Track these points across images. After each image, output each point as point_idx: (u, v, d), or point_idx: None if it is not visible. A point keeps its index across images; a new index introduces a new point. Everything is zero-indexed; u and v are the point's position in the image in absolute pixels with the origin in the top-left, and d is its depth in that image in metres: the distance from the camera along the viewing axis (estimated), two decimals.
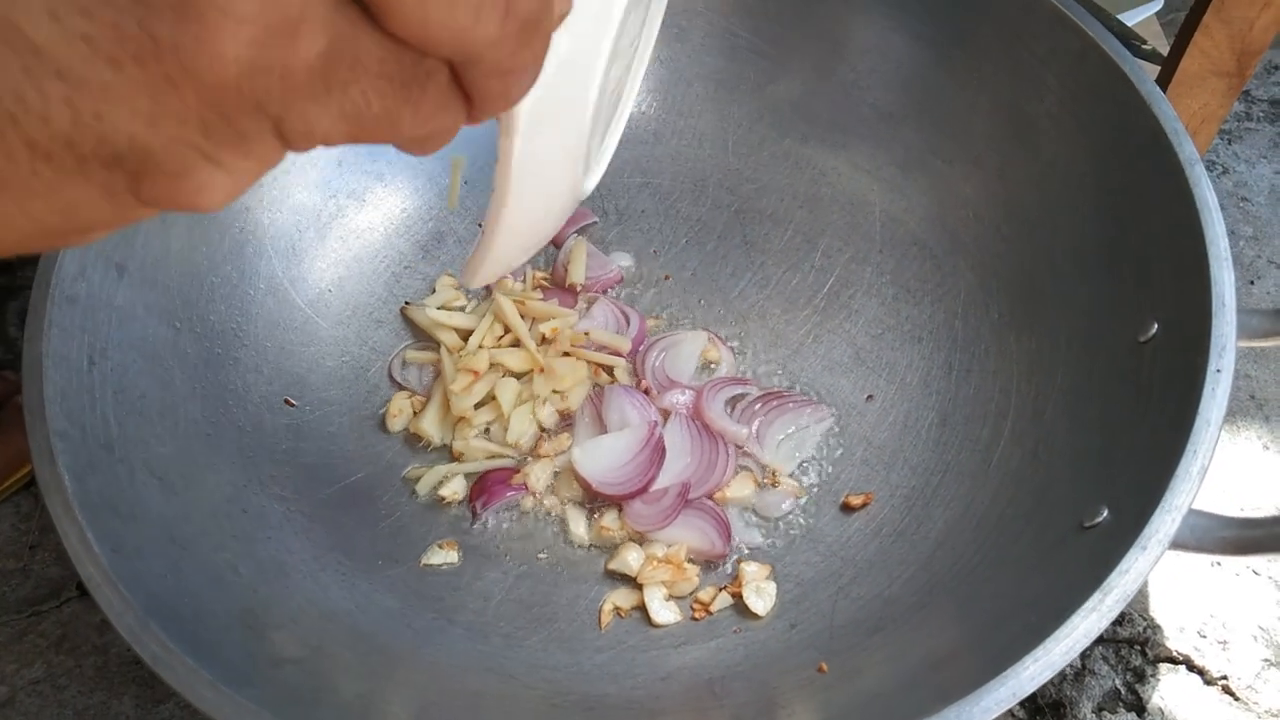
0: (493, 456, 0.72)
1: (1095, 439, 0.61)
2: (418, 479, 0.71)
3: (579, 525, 0.69)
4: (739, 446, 0.72)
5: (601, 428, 0.72)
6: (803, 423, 0.73)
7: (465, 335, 0.77)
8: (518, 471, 0.71)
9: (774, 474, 0.71)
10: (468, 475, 0.72)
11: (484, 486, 0.71)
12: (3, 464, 0.82)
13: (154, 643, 0.50)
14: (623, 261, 0.83)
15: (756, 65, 0.86)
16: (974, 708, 0.46)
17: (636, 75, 0.50)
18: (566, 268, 0.81)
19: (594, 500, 0.70)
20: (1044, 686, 0.53)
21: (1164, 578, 0.76)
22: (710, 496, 0.69)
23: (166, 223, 0.69)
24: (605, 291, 0.81)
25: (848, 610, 0.63)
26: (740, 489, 0.70)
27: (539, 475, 0.70)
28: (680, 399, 0.73)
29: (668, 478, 0.69)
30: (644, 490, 0.68)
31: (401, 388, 0.76)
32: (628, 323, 0.78)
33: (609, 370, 0.76)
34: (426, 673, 0.61)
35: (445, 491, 0.70)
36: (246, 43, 0.21)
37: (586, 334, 0.76)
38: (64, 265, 0.62)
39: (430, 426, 0.73)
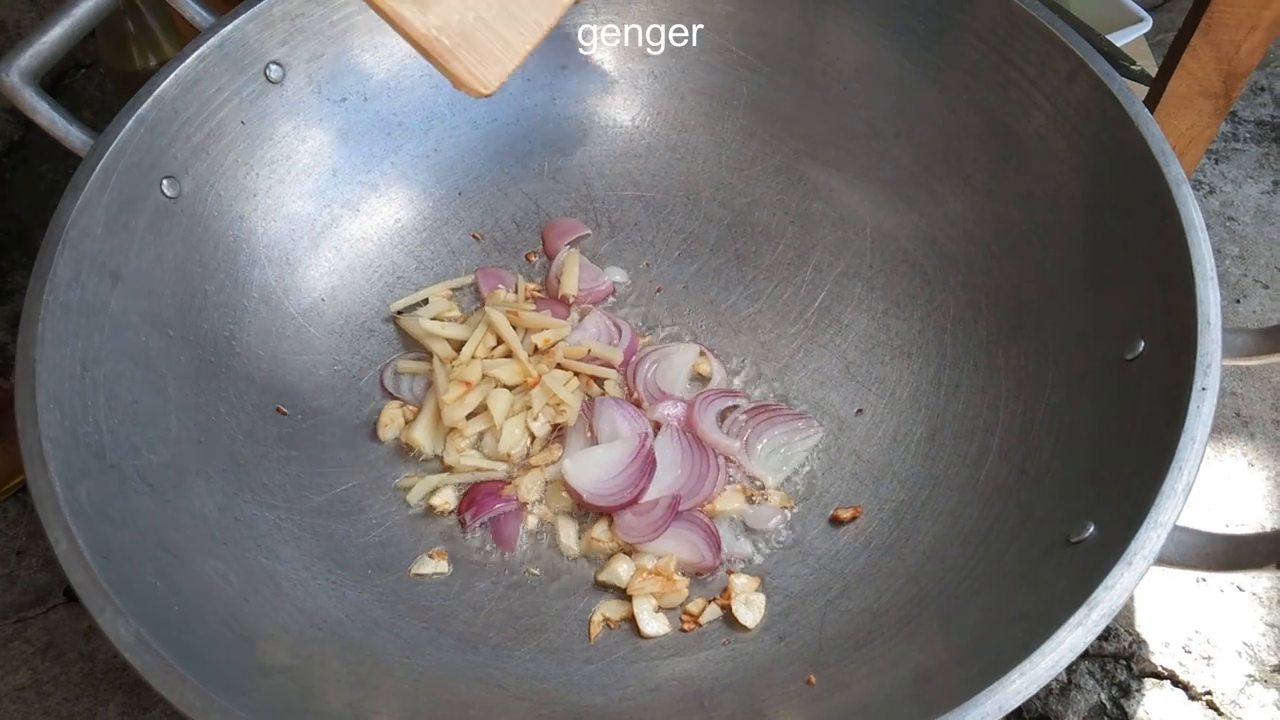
0: (483, 470, 0.72)
1: (1082, 455, 0.61)
2: (409, 489, 0.71)
3: (569, 536, 0.69)
4: (729, 459, 0.72)
5: (592, 439, 0.72)
6: (791, 436, 0.73)
7: (458, 346, 0.77)
8: (508, 483, 0.71)
9: (762, 486, 0.71)
10: (458, 485, 0.72)
11: (474, 498, 0.71)
12: (4, 472, 0.82)
13: (143, 650, 0.49)
14: (616, 276, 0.83)
15: (750, 81, 0.87)
16: None
17: None
18: (559, 279, 0.81)
19: (584, 511, 0.71)
20: (1030, 701, 0.53)
21: (1149, 593, 0.77)
22: (700, 509, 0.70)
23: (160, 231, 0.69)
24: (597, 304, 0.82)
25: (836, 623, 0.64)
26: (730, 501, 0.70)
27: (529, 486, 0.71)
28: (671, 411, 0.74)
29: (658, 489, 0.69)
30: (634, 502, 0.68)
31: (393, 397, 0.76)
32: (620, 334, 0.78)
33: (600, 382, 0.76)
34: (415, 683, 0.61)
35: (436, 501, 0.70)
36: None
37: (588, 350, 0.76)
38: (58, 272, 0.62)
39: (422, 436, 0.73)
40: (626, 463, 0.69)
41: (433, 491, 0.71)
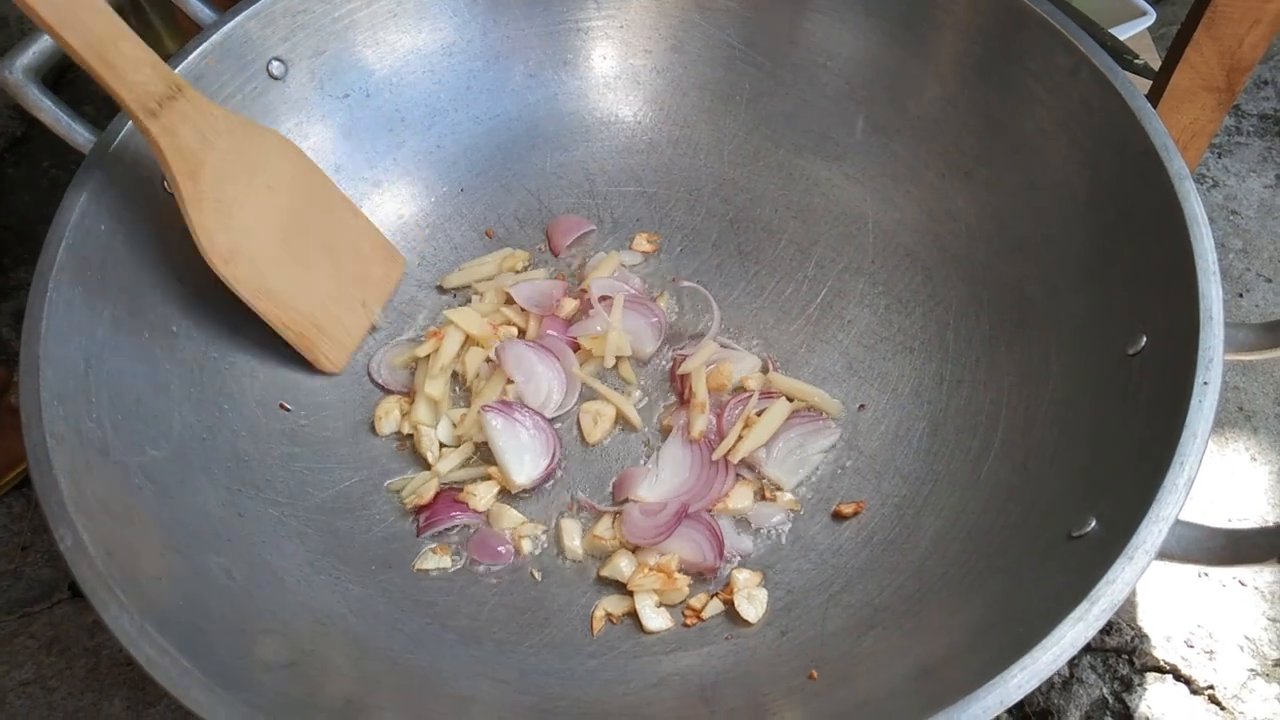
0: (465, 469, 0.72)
1: (1084, 450, 0.61)
2: (399, 490, 0.71)
3: (574, 539, 0.69)
4: (747, 462, 0.72)
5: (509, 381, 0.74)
6: (806, 438, 0.73)
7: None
8: (461, 491, 0.71)
9: (775, 487, 0.71)
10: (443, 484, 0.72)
11: (434, 504, 0.70)
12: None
13: (148, 645, 0.50)
14: (630, 260, 0.84)
15: (751, 77, 0.87)
16: (962, 715, 0.47)
17: None
18: (587, 275, 0.81)
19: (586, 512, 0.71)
20: (1032, 694, 0.53)
21: (1152, 588, 0.77)
22: (708, 509, 0.70)
23: (164, 228, 0.70)
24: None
25: (838, 618, 0.64)
26: (740, 500, 0.70)
27: (482, 495, 0.70)
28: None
29: (664, 491, 0.69)
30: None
31: (387, 391, 0.76)
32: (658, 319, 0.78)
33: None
34: (418, 677, 0.61)
35: (408, 499, 0.70)
36: None
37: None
38: (61, 269, 0.62)
39: (424, 416, 0.74)
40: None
41: (416, 493, 0.71)
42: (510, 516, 0.70)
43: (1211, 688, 0.72)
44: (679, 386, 0.75)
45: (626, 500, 0.70)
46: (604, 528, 0.69)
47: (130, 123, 0.68)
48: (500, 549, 0.69)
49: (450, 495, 0.71)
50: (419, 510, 0.70)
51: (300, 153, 0.74)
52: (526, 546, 0.70)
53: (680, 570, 0.67)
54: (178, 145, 0.65)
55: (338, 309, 0.75)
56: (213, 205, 0.67)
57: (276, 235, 0.71)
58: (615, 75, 0.89)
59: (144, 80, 0.63)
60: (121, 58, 0.62)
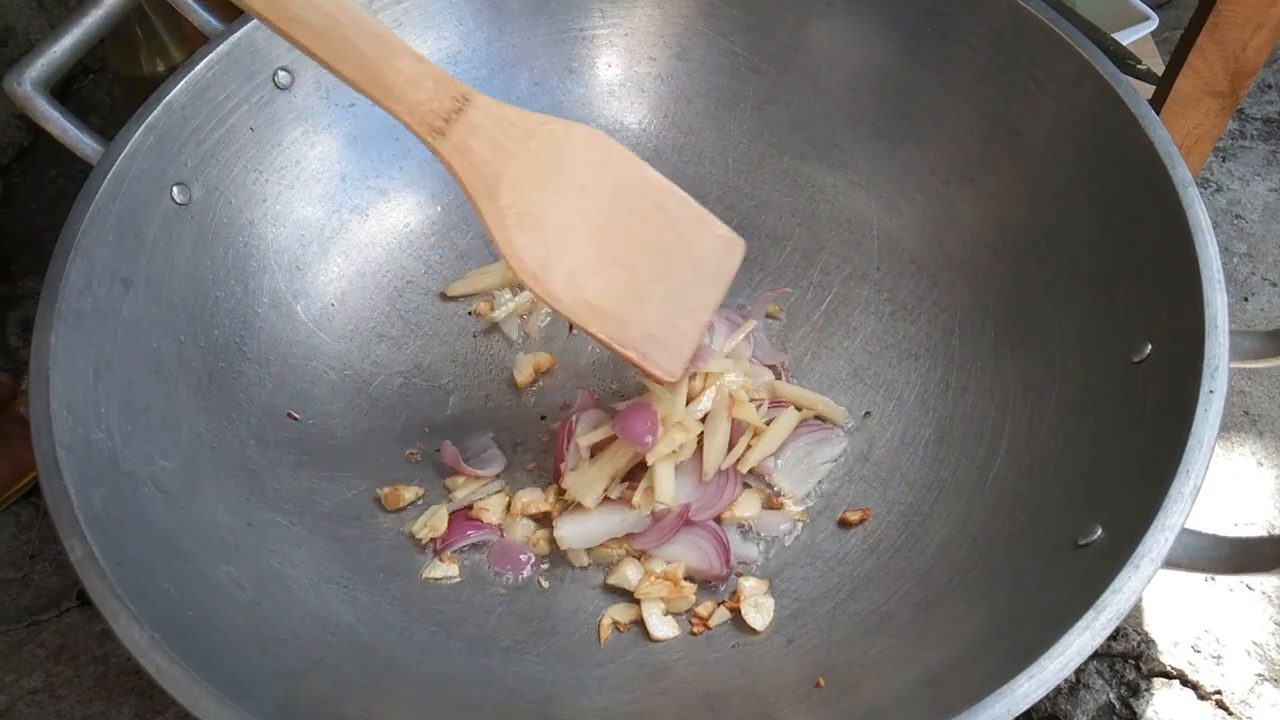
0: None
1: (1089, 458, 0.61)
2: (413, 531, 0.71)
3: (580, 556, 0.69)
4: (755, 471, 0.72)
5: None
6: (814, 446, 0.73)
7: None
8: (471, 508, 0.70)
9: (782, 496, 0.71)
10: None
11: (450, 524, 0.70)
12: (5, 475, 0.82)
13: (157, 654, 0.50)
14: None
15: (756, 84, 0.87)
16: None
17: None
18: None
19: None
20: (1039, 700, 0.53)
21: (1158, 592, 0.77)
22: (717, 519, 0.70)
23: (172, 238, 0.70)
24: None
25: (844, 625, 0.64)
26: (747, 508, 0.70)
27: (494, 509, 0.70)
28: None
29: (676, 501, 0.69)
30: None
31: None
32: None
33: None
34: (427, 686, 0.61)
35: (420, 534, 0.69)
36: None
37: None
38: (70, 279, 0.62)
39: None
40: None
41: (429, 525, 0.70)
42: (523, 525, 0.70)
43: (1219, 693, 0.72)
44: None
45: None
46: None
47: (137, 133, 0.68)
48: (521, 556, 0.69)
49: (461, 515, 0.71)
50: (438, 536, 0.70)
51: (609, 142, 0.65)
52: (543, 550, 0.70)
53: (687, 578, 0.67)
54: (472, 163, 0.60)
55: (669, 311, 0.66)
56: (517, 220, 0.61)
57: (593, 240, 0.63)
58: (620, 83, 0.90)
59: (426, 99, 0.58)
60: (399, 77, 0.58)
